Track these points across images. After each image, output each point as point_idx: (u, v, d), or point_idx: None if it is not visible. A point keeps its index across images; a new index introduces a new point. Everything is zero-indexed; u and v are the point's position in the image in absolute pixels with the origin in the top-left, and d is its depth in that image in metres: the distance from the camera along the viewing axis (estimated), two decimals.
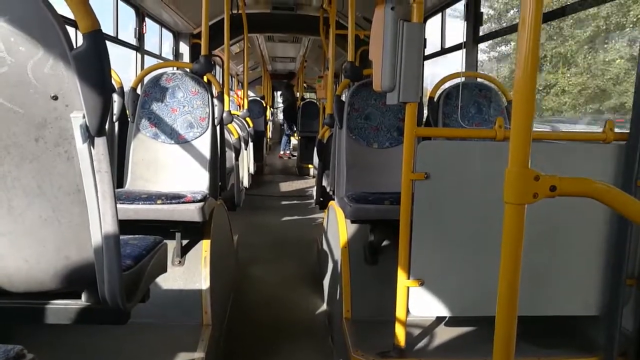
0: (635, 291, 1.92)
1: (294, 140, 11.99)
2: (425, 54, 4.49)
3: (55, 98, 1.05)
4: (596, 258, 1.92)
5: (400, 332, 1.95)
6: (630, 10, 9.30)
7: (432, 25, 4.49)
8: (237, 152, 4.64)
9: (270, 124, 12.81)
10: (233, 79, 12.19)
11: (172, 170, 2.87)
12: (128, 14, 4.56)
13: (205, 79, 3.18)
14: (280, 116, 13.55)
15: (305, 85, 14.64)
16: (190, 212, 2.36)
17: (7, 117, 1.06)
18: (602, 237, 1.91)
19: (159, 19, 5.26)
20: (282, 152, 11.72)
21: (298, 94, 12.47)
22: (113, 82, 3.11)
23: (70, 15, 1.08)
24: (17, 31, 1.01)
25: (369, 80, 3.02)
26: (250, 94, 12.22)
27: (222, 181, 3.23)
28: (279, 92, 13.19)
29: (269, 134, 12.54)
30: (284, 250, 4.38)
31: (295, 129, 10.78)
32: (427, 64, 4.68)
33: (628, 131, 1.87)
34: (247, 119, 6.91)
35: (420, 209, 1.87)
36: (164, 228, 2.36)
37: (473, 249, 1.88)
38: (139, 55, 4.66)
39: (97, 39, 1.06)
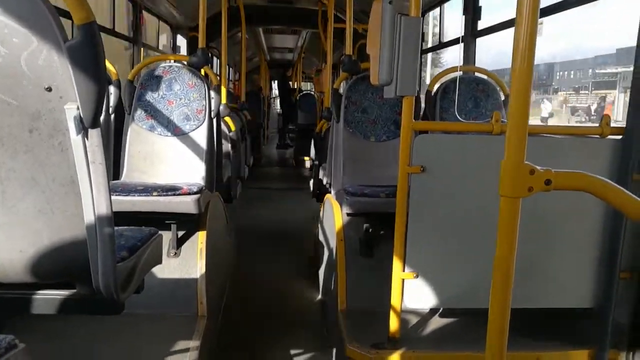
0: (628, 284, 1.93)
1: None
2: (423, 47, 4.47)
3: (49, 89, 1.04)
4: (590, 251, 1.93)
5: (394, 324, 1.96)
6: None
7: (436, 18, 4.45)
8: (234, 144, 4.63)
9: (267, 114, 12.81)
10: (230, 69, 12.14)
11: (168, 162, 2.87)
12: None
13: (202, 71, 3.17)
14: (278, 107, 13.55)
15: (303, 75, 14.61)
16: (186, 204, 2.36)
17: (1, 109, 1.05)
18: (596, 231, 1.92)
19: (156, 11, 5.23)
20: (279, 143, 11.77)
21: (296, 85, 12.44)
22: (109, 74, 3.10)
23: (64, 6, 1.08)
24: (11, 22, 1.00)
25: (367, 74, 3.02)
26: None
27: (219, 173, 3.23)
28: (276, 82, 13.18)
29: (267, 125, 12.53)
30: (280, 242, 4.40)
31: (292, 120, 10.78)
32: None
33: (624, 125, 1.87)
34: (245, 111, 6.90)
35: (416, 202, 1.88)
36: (160, 220, 2.36)
37: (468, 241, 1.89)
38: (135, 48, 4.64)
39: (92, 31, 1.05)
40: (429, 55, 12.42)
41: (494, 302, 1.10)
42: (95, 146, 1.09)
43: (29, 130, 1.07)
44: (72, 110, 1.04)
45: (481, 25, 3.51)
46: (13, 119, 1.06)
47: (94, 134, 1.09)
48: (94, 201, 1.11)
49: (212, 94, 2.99)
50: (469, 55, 3.58)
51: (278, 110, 13.37)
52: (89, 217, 1.12)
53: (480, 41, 3.58)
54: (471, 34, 3.58)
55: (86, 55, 1.04)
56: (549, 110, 24.88)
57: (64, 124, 1.06)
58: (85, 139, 1.07)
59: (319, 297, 3.14)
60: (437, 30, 4.45)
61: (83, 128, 1.06)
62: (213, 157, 3.00)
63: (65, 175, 1.10)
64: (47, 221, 1.12)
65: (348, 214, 2.56)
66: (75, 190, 1.10)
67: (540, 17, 1.05)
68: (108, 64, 3.09)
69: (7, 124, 1.06)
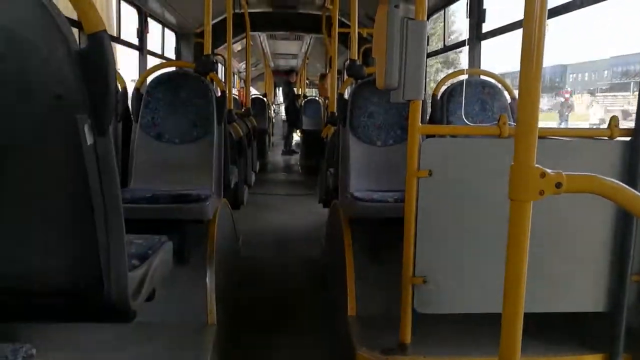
0: None
1: (297, 137, 12.01)
2: (428, 51, 4.47)
3: (60, 98, 1.05)
4: (602, 254, 1.91)
5: (404, 329, 1.95)
6: None
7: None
8: (241, 151, 4.64)
9: (272, 120, 12.84)
10: (235, 76, 12.20)
11: (175, 169, 2.87)
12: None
13: (208, 78, 3.18)
14: (283, 114, 13.60)
15: (307, 81, 14.65)
16: (195, 211, 2.37)
17: (11, 117, 1.06)
18: (607, 233, 1.90)
19: (161, 18, 5.26)
20: (285, 149, 11.77)
21: (300, 91, 12.48)
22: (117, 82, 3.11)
23: (71, 14, 1.09)
24: (21, 31, 1.01)
25: (372, 78, 3.02)
26: (252, 90, 12.23)
27: (226, 180, 3.23)
28: (280, 88, 13.26)
29: (272, 132, 12.55)
30: (288, 248, 4.39)
31: (297, 125, 10.80)
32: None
33: (633, 127, 1.86)
34: (251, 117, 6.92)
35: (425, 206, 1.87)
36: (168, 227, 2.37)
37: (478, 245, 1.87)
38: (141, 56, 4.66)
39: (102, 39, 1.06)
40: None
41: (507, 307, 1.09)
42: (106, 154, 1.09)
43: (39, 139, 1.07)
44: (82, 118, 1.05)
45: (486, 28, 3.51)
46: (23, 128, 1.07)
47: (105, 143, 1.09)
48: (105, 209, 1.11)
49: (218, 100, 3.00)
50: (474, 58, 3.58)
51: (283, 117, 13.40)
52: (100, 226, 1.12)
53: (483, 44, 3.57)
54: (476, 37, 3.57)
55: (96, 63, 1.05)
56: (599, 116, 21.37)
57: (74, 132, 1.07)
58: (96, 147, 1.08)
59: (328, 302, 3.12)
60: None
61: (94, 136, 1.07)
62: (220, 164, 3.01)
63: (76, 184, 1.11)
64: (58, 230, 1.13)
65: (356, 220, 2.55)
66: (87, 198, 1.11)
67: (547, 18, 1.05)
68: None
69: (18, 133, 1.07)
